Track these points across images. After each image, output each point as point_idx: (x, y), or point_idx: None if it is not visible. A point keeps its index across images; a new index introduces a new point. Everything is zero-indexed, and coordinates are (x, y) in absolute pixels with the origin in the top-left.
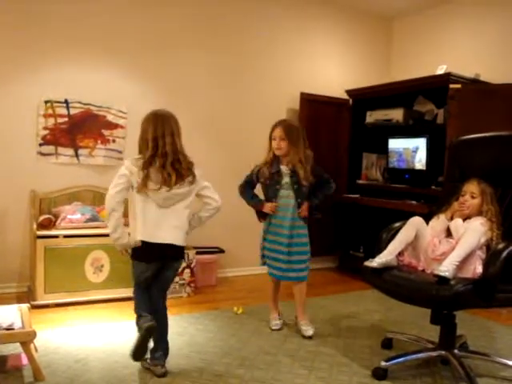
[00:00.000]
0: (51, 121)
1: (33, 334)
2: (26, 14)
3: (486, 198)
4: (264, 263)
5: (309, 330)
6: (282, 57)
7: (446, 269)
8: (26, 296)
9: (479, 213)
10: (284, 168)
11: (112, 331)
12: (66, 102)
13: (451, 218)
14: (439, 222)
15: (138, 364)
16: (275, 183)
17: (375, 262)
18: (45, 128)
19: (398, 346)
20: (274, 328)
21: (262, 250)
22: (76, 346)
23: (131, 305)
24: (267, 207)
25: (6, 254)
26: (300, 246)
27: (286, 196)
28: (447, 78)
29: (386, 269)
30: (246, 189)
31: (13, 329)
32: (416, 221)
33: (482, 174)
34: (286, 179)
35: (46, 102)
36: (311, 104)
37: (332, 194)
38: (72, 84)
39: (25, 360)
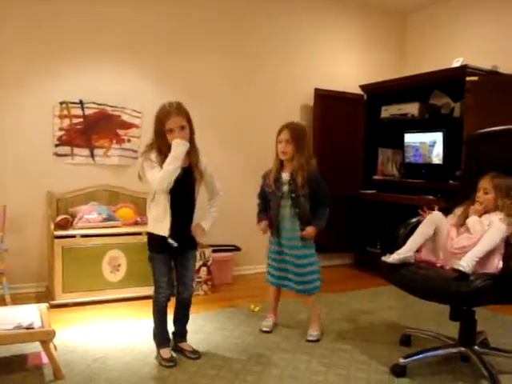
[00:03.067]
0: (66, 121)
1: (52, 333)
2: (40, 15)
3: (499, 192)
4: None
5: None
6: (295, 53)
7: (465, 264)
8: (44, 295)
9: (495, 208)
10: (284, 175)
11: (129, 330)
12: (81, 102)
13: (467, 215)
14: (454, 217)
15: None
16: (277, 191)
17: (392, 258)
18: (60, 129)
19: (416, 342)
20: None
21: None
22: (94, 344)
23: (148, 303)
24: (261, 227)
25: (24, 254)
26: (296, 259)
27: (284, 206)
28: (464, 70)
29: (403, 265)
30: (260, 199)
31: (33, 328)
32: (435, 216)
33: (500, 167)
34: (285, 187)
35: (61, 103)
36: (325, 100)
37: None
38: (86, 84)
39: (45, 359)
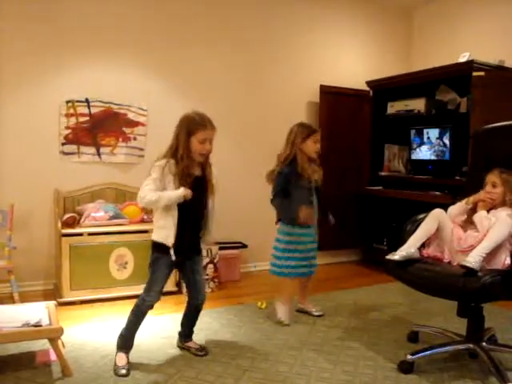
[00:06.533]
0: (73, 120)
1: (60, 331)
2: (44, 13)
3: (509, 187)
4: None
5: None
6: (301, 49)
7: (472, 260)
8: (52, 293)
9: (503, 203)
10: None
11: None
12: (87, 101)
13: (474, 208)
14: (457, 206)
15: (162, 359)
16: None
17: (397, 255)
18: (67, 127)
19: (424, 339)
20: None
21: None
22: (102, 342)
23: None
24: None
25: (32, 252)
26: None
27: (312, 196)
28: (470, 65)
29: (410, 261)
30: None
31: (41, 325)
32: (437, 213)
33: (508, 162)
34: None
35: (68, 102)
36: (331, 96)
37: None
38: (92, 83)
39: (53, 356)
